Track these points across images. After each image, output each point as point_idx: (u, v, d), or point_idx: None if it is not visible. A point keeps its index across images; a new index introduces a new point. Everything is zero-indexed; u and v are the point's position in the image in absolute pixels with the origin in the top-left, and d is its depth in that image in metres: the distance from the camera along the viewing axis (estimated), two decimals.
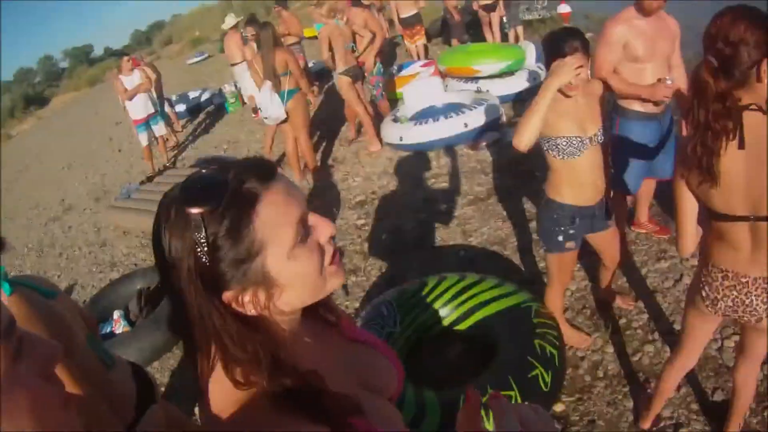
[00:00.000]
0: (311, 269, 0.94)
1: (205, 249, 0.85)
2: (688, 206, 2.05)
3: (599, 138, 2.77)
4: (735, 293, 2.02)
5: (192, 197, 0.85)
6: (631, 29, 3.37)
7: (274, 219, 0.89)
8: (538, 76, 8.06)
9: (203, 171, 0.90)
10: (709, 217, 2.01)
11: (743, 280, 1.98)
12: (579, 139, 2.69)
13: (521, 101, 7.82)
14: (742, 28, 1.74)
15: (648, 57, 3.40)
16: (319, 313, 1.12)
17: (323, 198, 6.35)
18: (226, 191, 0.86)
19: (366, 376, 1.11)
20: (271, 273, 0.90)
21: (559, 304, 3.28)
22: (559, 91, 2.61)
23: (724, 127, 1.79)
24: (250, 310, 0.90)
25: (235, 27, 9.78)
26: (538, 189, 5.15)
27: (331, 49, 6.86)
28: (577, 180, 2.80)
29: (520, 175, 5.64)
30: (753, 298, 1.99)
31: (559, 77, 2.53)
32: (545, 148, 2.78)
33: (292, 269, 0.91)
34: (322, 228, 0.96)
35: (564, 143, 2.69)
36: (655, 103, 3.46)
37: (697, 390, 2.87)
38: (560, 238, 2.91)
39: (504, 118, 7.12)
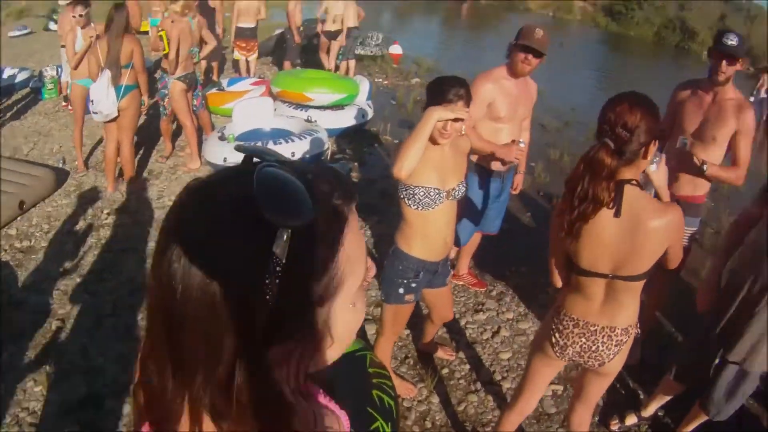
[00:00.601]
0: (359, 320, 0.73)
1: (276, 281, 0.59)
2: (560, 256, 2.29)
3: (457, 193, 2.78)
4: (584, 340, 2.24)
5: (278, 207, 0.59)
6: (499, 89, 3.49)
7: (354, 251, 0.67)
8: (367, 113, 8.25)
9: (270, 168, 0.63)
10: (570, 270, 2.23)
11: (592, 328, 2.22)
12: (437, 191, 2.67)
13: (345, 137, 7.92)
14: (638, 116, 1.96)
15: (508, 118, 3.54)
16: None
17: (135, 216, 5.60)
18: (317, 206, 0.62)
19: None
20: (330, 322, 0.67)
21: (389, 353, 3.28)
22: (430, 138, 2.57)
23: (605, 200, 2.01)
24: (291, 383, 0.67)
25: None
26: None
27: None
28: (429, 234, 2.79)
29: None
30: (599, 344, 2.22)
31: (444, 110, 2.52)
32: (402, 197, 2.74)
33: (347, 319, 0.69)
34: (370, 269, 0.74)
35: (421, 193, 2.66)
36: (503, 162, 3.57)
37: None
38: (401, 290, 2.89)
39: (329, 153, 7.10)
